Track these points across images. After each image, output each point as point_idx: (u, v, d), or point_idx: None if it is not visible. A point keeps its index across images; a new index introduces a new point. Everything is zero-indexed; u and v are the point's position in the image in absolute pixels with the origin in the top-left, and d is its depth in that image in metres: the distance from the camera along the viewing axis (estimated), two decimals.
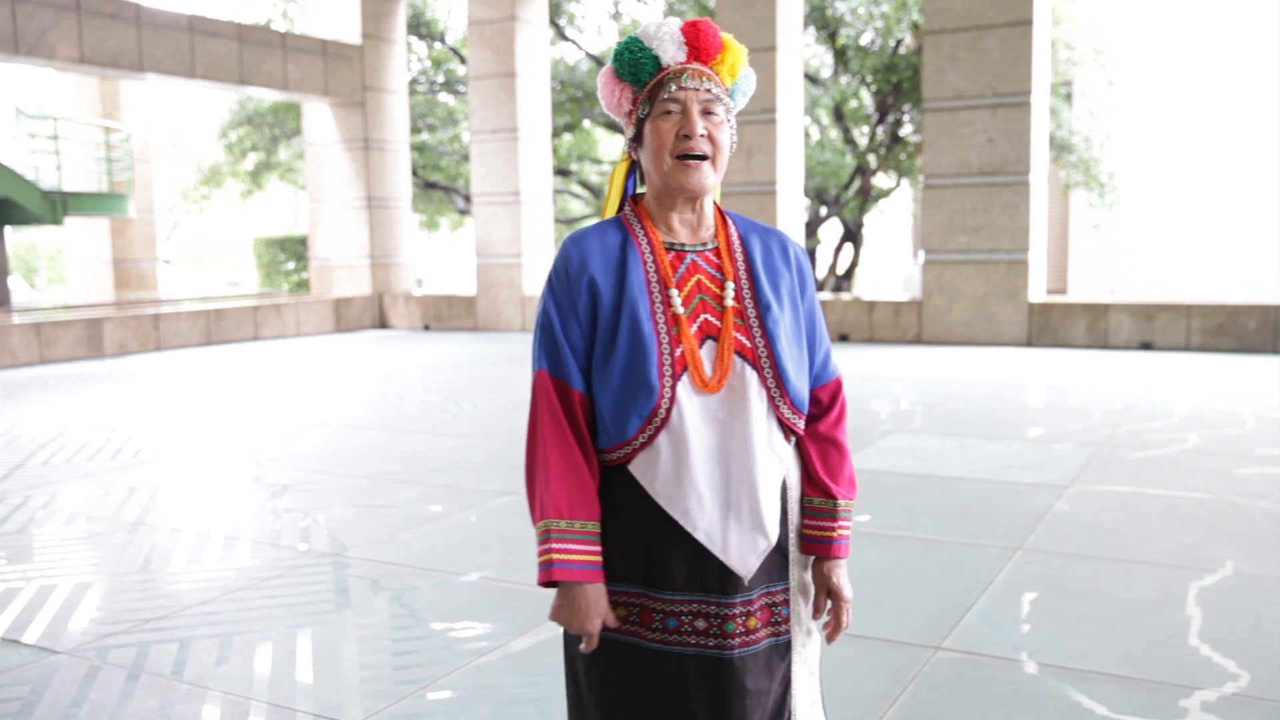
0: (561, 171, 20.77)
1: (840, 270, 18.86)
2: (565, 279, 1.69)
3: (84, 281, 18.63)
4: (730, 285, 1.70)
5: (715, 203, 1.78)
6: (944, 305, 11.92)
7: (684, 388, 1.64)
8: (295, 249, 23.75)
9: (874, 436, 6.48)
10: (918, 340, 12.14)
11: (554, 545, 1.64)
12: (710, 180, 1.69)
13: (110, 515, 4.94)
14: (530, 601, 3.65)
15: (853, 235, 18.55)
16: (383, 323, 16.13)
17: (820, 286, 18.49)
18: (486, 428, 7.12)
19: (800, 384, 1.71)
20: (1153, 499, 4.88)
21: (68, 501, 5.23)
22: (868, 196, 17.79)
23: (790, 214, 13.01)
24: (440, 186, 20.88)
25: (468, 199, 20.13)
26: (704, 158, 1.67)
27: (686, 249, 1.72)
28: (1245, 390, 8.08)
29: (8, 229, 16.73)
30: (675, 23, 1.71)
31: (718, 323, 1.68)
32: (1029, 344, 11.57)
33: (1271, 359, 10.10)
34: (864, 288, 23.32)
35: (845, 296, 13.45)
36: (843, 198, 17.78)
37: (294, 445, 6.59)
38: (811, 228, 18.33)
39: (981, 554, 4.11)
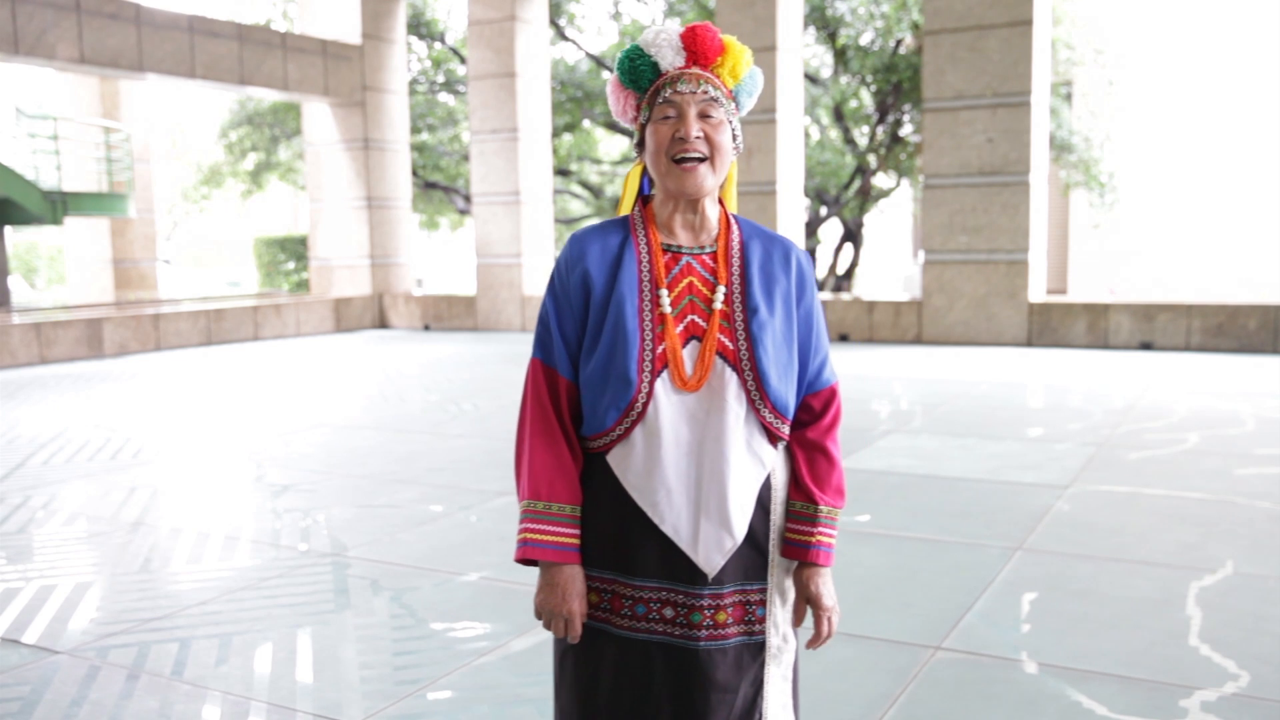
0: (561, 171, 20.77)
1: (840, 270, 18.86)
2: (564, 272, 1.76)
3: (84, 281, 18.63)
4: (721, 289, 1.73)
5: (724, 206, 1.81)
6: (944, 305, 11.92)
7: (663, 384, 1.68)
8: (295, 249, 23.74)
9: (874, 436, 6.48)
10: (918, 340, 12.14)
11: (528, 525, 1.71)
12: (708, 182, 1.71)
13: (110, 515, 4.94)
14: (530, 601, 3.64)
15: (853, 235, 18.55)
16: (383, 323, 16.13)
17: (820, 286, 18.49)
18: (486, 428, 7.12)
19: (783, 389, 1.72)
20: (1153, 499, 4.89)
21: (68, 501, 5.23)
22: (868, 196, 17.78)
23: (790, 214, 13.01)
24: (440, 186, 20.88)
25: (468, 199, 20.13)
26: (701, 159, 1.69)
27: (683, 251, 1.76)
28: (1245, 390, 8.08)
29: (8, 229, 16.72)
30: (674, 29, 1.74)
31: (704, 324, 1.71)
32: (1029, 344, 11.57)
33: (1271, 359, 10.10)
34: (864, 288, 23.32)
35: (845, 296, 13.44)
36: (843, 198, 17.78)
37: (294, 445, 6.59)
38: (811, 228, 18.32)
39: (981, 554, 4.11)
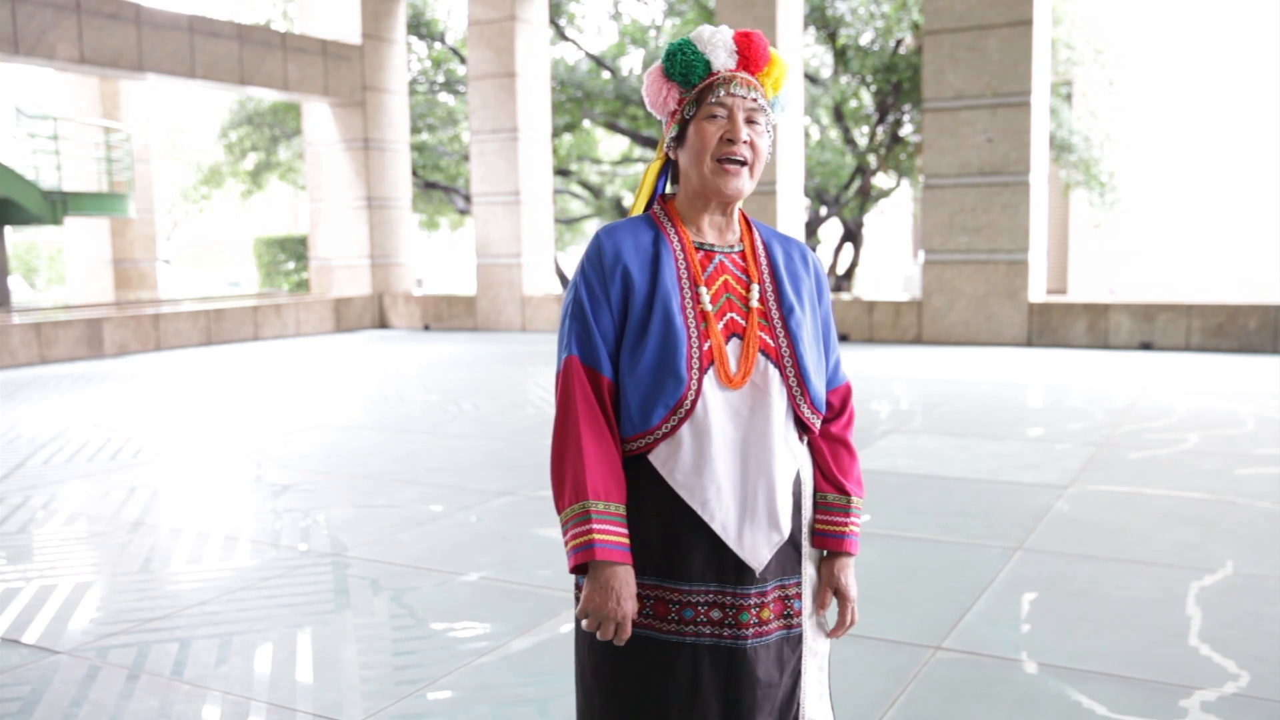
0: (561, 171, 20.76)
1: (840, 270, 18.86)
2: (600, 268, 1.73)
3: (84, 281, 18.63)
4: (755, 287, 1.76)
5: (740, 209, 1.84)
6: (944, 305, 11.92)
7: (709, 382, 1.69)
8: (295, 249, 23.74)
9: (874, 436, 6.48)
10: (918, 340, 12.14)
11: (595, 526, 1.64)
12: (747, 186, 1.74)
13: (110, 515, 4.94)
14: (530, 602, 3.65)
15: (853, 235, 18.55)
16: (383, 323, 16.13)
17: None
18: (486, 428, 7.12)
19: (819, 385, 1.77)
20: (1153, 499, 4.88)
21: (68, 501, 5.23)
22: (868, 196, 17.78)
23: (790, 214, 13.01)
24: (440, 186, 20.88)
25: (468, 199, 20.13)
26: (744, 163, 1.72)
27: (715, 249, 1.78)
28: (1245, 390, 8.08)
29: (8, 229, 16.72)
30: (728, 31, 1.76)
31: (743, 322, 1.74)
32: (1029, 344, 11.57)
33: (1271, 359, 10.10)
34: (864, 288, 23.31)
35: (845, 296, 13.44)
36: (843, 198, 17.78)
37: (294, 445, 6.59)
38: (811, 228, 18.32)
39: (981, 554, 4.11)
